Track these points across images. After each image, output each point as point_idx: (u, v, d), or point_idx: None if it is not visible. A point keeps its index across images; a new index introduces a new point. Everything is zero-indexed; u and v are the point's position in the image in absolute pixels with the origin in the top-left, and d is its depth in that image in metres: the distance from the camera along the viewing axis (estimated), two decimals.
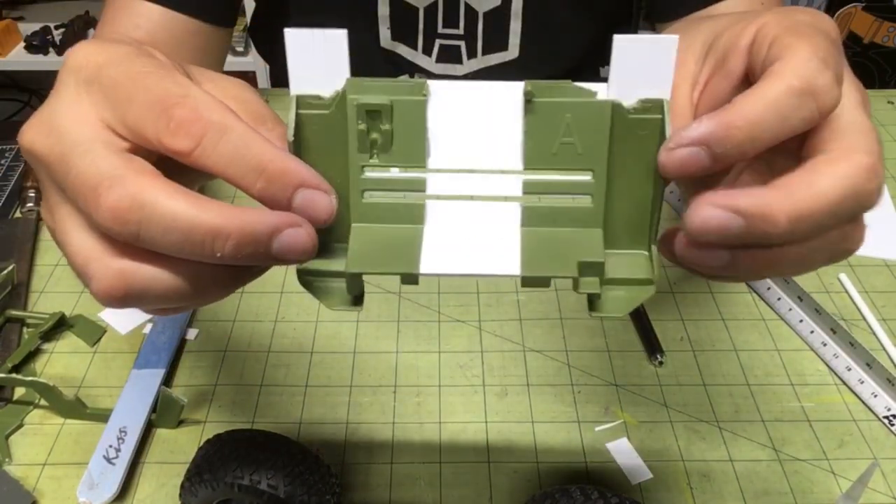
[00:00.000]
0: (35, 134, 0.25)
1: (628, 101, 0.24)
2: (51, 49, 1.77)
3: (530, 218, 0.25)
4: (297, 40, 0.24)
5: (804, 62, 0.23)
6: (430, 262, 0.25)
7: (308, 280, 0.26)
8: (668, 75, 0.23)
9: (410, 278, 0.25)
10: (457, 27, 0.69)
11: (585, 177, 0.25)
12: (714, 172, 0.24)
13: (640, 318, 0.53)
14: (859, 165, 0.22)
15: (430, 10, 0.68)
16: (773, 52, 0.24)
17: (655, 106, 0.24)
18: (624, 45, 0.23)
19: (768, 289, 0.55)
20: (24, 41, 1.78)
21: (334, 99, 0.24)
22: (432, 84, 0.24)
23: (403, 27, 0.70)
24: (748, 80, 0.26)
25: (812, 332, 0.51)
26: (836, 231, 0.24)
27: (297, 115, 0.25)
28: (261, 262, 0.24)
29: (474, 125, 0.25)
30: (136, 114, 0.24)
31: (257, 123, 0.26)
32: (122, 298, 0.24)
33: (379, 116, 0.24)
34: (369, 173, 0.25)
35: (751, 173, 0.28)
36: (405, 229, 0.26)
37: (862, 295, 0.55)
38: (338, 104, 0.24)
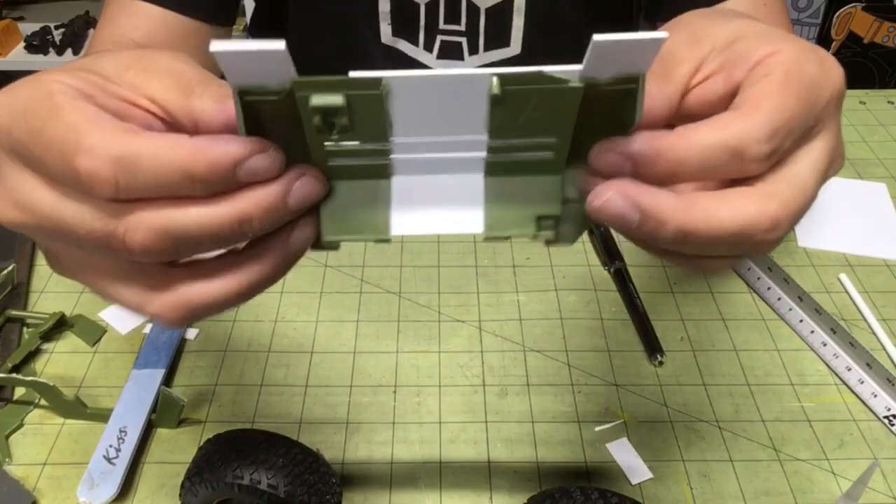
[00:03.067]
0: (10, 212, 0.25)
1: (603, 77, 0.23)
2: (51, 49, 1.77)
3: (493, 168, 0.26)
4: (227, 51, 0.21)
5: (753, 125, 0.24)
6: (400, 223, 0.26)
7: None
8: (646, 67, 0.23)
9: (383, 241, 0.26)
10: (458, 23, 0.69)
11: (549, 139, 0.25)
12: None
13: (640, 318, 0.53)
14: (766, 213, 0.24)
15: (432, 6, 0.68)
16: (751, 91, 0.25)
17: (632, 78, 0.23)
18: (602, 48, 0.22)
19: (768, 289, 0.55)
20: (24, 41, 1.79)
21: (281, 91, 0.23)
22: (390, 79, 0.23)
23: (404, 23, 0.70)
24: (737, 89, 0.26)
25: (812, 332, 0.51)
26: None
27: (243, 102, 0.23)
28: (233, 188, 0.24)
29: (437, 113, 0.24)
30: (53, 173, 0.23)
31: (185, 95, 0.24)
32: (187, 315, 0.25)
33: (335, 113, 0.23)
34: (331, 146, 0.24)
35: None
36: (372, 184, 0.26)
37: (862, 295, 0.55)
38: (286, 96, 0.23)
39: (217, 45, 0.20)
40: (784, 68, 0.25)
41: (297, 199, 0.24)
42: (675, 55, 0.27)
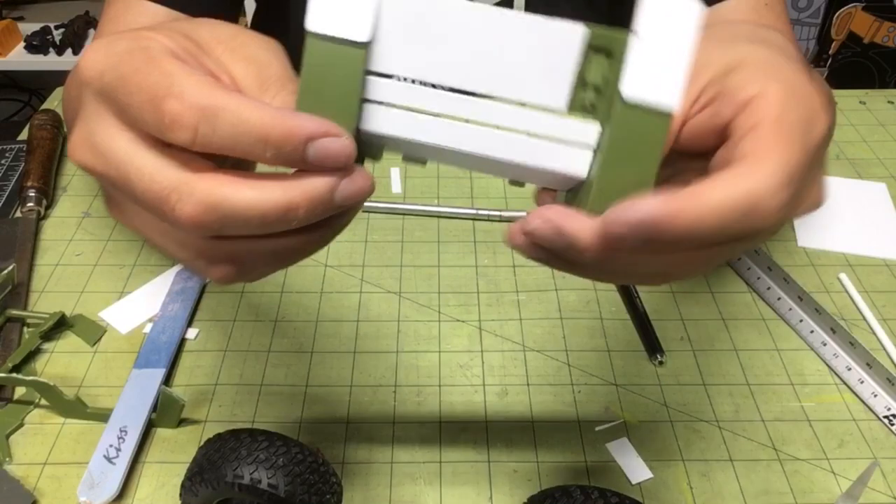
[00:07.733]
0: (84, 153, 0.26)
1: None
2: (51, 49, 1.77)
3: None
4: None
5: (765, 177, 0.23)
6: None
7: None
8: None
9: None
10: None
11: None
12: None
13: (640, 317, 0.53)
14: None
15: None
16: (748, 144, 0.24)
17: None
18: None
19: (768, 288, 0.55)
20: (24, 41, 1.79)
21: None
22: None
23: None
24: (726, 129, 0.26)
25: (812, 331, 0.51)
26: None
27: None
28: (299, 166, 0.24)
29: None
30: (136, 115, 0.24)
31: (261, 91, 0.26)
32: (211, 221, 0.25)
33: None
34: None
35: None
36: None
37: (862, 295, 0.55)
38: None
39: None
40: (775, 113, 0.24)
41: (344, 195, 0.25)
42: None
